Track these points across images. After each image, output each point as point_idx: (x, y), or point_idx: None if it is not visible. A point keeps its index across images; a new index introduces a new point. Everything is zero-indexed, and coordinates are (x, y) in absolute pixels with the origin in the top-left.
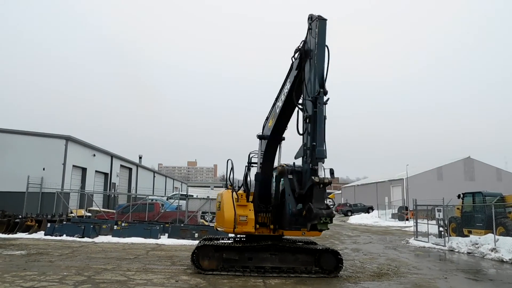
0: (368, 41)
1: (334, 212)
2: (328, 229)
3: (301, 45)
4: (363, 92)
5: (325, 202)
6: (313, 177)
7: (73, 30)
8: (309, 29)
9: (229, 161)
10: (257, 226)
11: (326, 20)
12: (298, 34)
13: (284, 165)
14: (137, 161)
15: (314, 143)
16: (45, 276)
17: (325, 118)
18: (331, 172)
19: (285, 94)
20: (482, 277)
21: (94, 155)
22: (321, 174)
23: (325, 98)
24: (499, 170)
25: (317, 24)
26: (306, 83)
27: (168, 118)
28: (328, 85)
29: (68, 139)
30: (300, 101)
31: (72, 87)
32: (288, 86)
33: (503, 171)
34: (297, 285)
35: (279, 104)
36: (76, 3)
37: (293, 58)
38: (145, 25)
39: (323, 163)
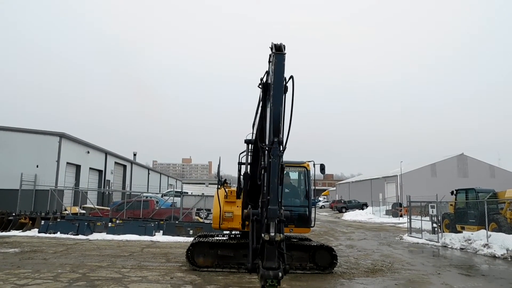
0: (366, 41)
1: (285, 271)
2: None
3: (264, 76)
4: (359, 91)
5: (277, 260)
6: (263, 234)
7: (72, 29)
8: (269, 61)
9: (219, 158)
10: (247, 222)
11: (284, 54)
12: (299, 35)
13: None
14: (131, 158)
15: (268, 197)
16: (39, 273)
17: (282, 167)
18: (322, 167)
19: (253, 133)
20: (474, 272)
21: (88, 152)
22: (272, 231)
23: (281, 148)
24: (492, 167)
25: (274, 60)
26: (265, 124)
27: (162, 115)
28: (324, 93)
29: (61, 136)
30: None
31: (67, 85)
32: (254, 121)
33: (496, 167)
34: (292, 281)
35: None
36: (75, 2)
37: (259, 86)
38: (144, 25)
39: (276, 222)
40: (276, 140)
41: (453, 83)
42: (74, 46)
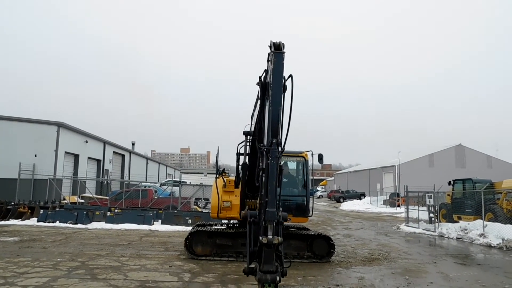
0: (368, 40)
1: (283, 274)
2: None
3: (263, 75)
4: (358, 82)
5: (275, 263)
6: (261, 237)
7: (73, 30)
8: (268, 60)
9: (218, 148)
10: (245, 210)
11: (283, 53)
12: (305, 35)
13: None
14: (130, 147)
15: (266, 199)
16: (38, 262)
17: (281, 170)
18: (320, 157)
19: (252, 123)
20: (470, 261)
21: (87, 142)
22: (270, 234)
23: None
24: (489, 157)
25: (273, 59)
26: (264, 125)
27: (162, 106)
28: (322, 85)
29: (60, 125)
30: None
31: (66, 83)
32: (253, 112)
33: (494, 158)
34: (289, 270)
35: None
36: (76, 7)
37: (258, 84)
38: (144, 24)
39: (274, 225)
40: (274, 141)
41: (450, 73)
42: (75, 46)
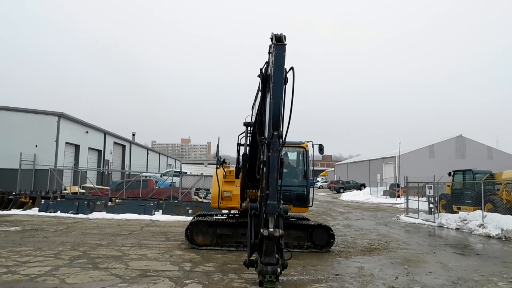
0: (367, 31)
1: (284, 267)
2: (274, 286)
3: (264, 67)
4: (358, 71)
5: (276, 256)
6: (262, 230)
7: (72, 31)
8: (269, 52)
9: (218, 139)
10: (245, 202)
11: (285, 45)
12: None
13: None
14: (130, 138)
15: (267, 192)
16: (40, 251)
17: (282, 162)
18: (320, 148)
19: (253, 114)
20: (469, 252)
21: (87, 132)
22: (271, 227)
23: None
24: (490, 148)
25: (274, 51)
26: (265, 117)
27: (161, 95)
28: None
29: (60, 116)
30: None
31: (67, 77)
32: (254, 104)
33: (494, 149)
34: (289, 260)
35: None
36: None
37: (259, 76)
38: (143, 25)
39: (275, 218)
40: (275, 134)
41: (450, 65)
42: (77, 43)
